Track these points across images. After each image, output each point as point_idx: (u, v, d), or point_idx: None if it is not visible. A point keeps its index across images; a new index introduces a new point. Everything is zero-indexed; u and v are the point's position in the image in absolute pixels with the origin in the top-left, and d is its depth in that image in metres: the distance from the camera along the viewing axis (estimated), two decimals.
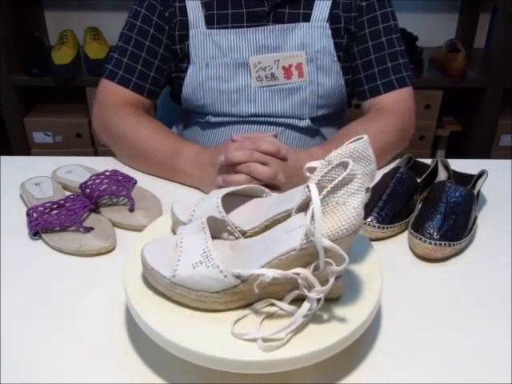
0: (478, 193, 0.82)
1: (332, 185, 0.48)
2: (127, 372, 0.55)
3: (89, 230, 0.75)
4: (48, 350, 0.58)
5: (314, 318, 0.53)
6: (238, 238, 0.59)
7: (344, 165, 0.49)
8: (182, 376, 0.55)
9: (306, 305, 0.50)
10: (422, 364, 0.56)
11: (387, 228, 0.75)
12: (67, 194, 0.83)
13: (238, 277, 0.51)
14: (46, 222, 0.74)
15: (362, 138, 0.56)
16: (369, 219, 0.75)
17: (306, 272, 0.49)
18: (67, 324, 0.61)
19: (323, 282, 0.49)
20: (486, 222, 0.80)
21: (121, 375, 0.55)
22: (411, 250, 0.74)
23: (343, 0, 1.01)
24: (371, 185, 0.60)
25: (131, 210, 0.79)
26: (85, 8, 2.13)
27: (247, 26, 1.00)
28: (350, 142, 0.57)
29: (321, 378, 0.55)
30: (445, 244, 0.70)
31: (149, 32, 1.01)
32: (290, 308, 0.52)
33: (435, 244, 0.70)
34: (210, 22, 1.00)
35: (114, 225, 0.78)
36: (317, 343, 0.50)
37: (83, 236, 0.74)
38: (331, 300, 0.54)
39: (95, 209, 0.80)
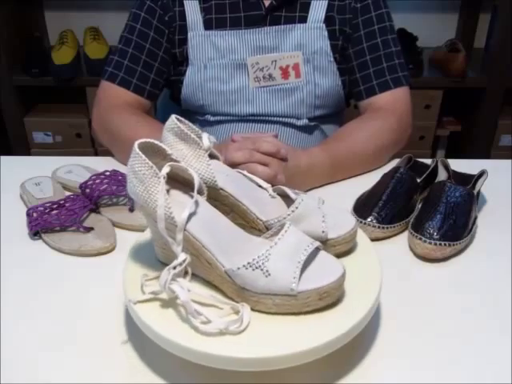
0: (478, 193, 0.82)
1: None
2: (127, 372, 0.55)
3: (89, 229, 0.75)
4: (48, 349, 0.58)
5: (312, 316, 0.53)
6: None
7: None
8: (182, 376, 0.55)
9: None
10: (422, 364, 0.56)
11: (387, 228, 0.75)
12: (67, 193, 0.83)
13: None
14: (45, 222, 0.74)
15: None
16: (369, 219, 0.75)
17: None
18: (67, 324, 0.61)
19: None
20: (485, 222, 0.80)
21: (121, 375, 0.54)
22: (411, 250, 0.74)
23: (338, 2, 1.02)
24: None
25: (131, 210, 0.79)
26: (85, 8, 2.13)
27: (245, 29, 1.00)
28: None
29: (320, 377, 0.55)
30: (445, 244, 0.70)
31: (149, 35, 1.01)
32: None
33: (435, 244, 0.70)
34: (208, 25, 1.01)
35: (114, 225, 0.78)
36: (315, 340, 0.50)
37: (83, 236, 0.74)
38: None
39: (95, 209, 0.80)
